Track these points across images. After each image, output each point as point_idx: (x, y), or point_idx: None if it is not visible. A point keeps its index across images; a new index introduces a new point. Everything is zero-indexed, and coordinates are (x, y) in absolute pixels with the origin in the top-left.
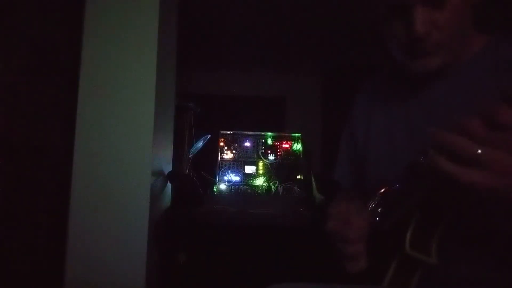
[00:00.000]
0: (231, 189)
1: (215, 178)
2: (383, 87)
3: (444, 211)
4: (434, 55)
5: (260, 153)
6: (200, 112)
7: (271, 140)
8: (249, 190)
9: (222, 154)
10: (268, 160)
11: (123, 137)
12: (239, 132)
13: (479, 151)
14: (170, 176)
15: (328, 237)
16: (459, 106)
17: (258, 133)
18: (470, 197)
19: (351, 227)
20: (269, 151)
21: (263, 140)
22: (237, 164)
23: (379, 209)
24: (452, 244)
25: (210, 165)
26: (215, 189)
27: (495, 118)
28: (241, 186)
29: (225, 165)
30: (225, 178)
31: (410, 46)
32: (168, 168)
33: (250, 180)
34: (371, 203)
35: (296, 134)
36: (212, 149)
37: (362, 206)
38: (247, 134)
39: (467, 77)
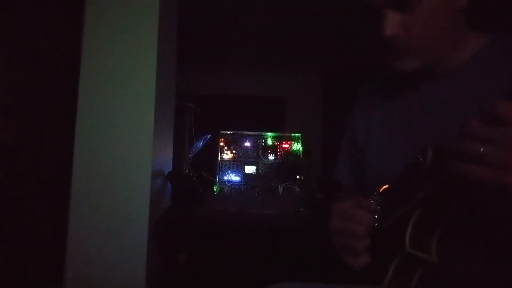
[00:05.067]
0: (231, 189)
1: (215, 178)
2: (383, 87)
3: (444, 210)
4: (408, 58)
5: (260, 153)
6: (200, 112)
7: (271, 140)
8: (249, 190)
9: (222, 154)
10: (268, 160)
11: (123, 137)
12: (239, 132)
13: (482, 149)
14: (170, 176)
15: (332, 235)
16: (459, 105)
17: (258, 133)
18: (478, 194)
19: (357, 222)
20: (269, 151)
21: (263, 140)
22: (237, 164)
23: (378, 208)
24: (453, 242)
25: (210, 165)
26: (215, 189)
27: (495, 115)
28: (241, 186)
29: (225, 165)
30: (225, 178)
31: (385, 48)
32: (168, 168)
33: (250, 180)
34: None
35: (296, 134)
36: (212, 149)
37: (364, 201)
38: (247, 134)
39: (467, 76)
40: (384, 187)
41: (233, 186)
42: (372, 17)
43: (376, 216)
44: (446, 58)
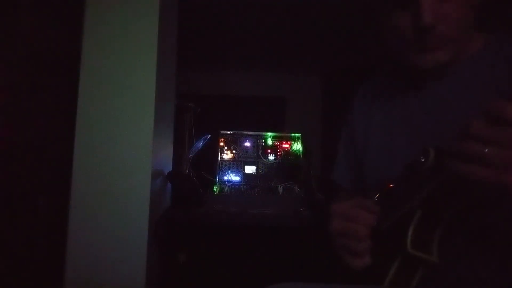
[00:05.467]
0: (231, 189)
1: (215, 178)
2: (382, 87)
3: (445, 210)
4: (441, 49)
5: (260, 153)
6: (200, 112)
7: (271, 140)
8: (249, 190)
9: (222, 154)
10: (268, 160)
11: (123, 137)
12: (239, 132)
13: (486, 150)
14: (170, 176)
15: (332, 236)
16: (459, 105)
17: (258, 133)
18: (480, 194)
19: (358, 222)
20: (269, 151)
21: (263, 140)
22: (237, 164)
23: (379, 208)
24: (454, 243)
25: (210, 165)
26: (215, 189)
27: (499, 115)
28: (241, 186)
29: (225, 165)
30: (225, 178)
31: (417, 39)
32: (168, 168)
33: (250, 180)
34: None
35: (296, 134)
36: (212, 149)
37: (365, 201)
38: (247, 134)
39: (467, 76)
40: (384, 187)
41: (233, 186)
42: (403, 6)
43: (376, 216)
44: (458, 55)
